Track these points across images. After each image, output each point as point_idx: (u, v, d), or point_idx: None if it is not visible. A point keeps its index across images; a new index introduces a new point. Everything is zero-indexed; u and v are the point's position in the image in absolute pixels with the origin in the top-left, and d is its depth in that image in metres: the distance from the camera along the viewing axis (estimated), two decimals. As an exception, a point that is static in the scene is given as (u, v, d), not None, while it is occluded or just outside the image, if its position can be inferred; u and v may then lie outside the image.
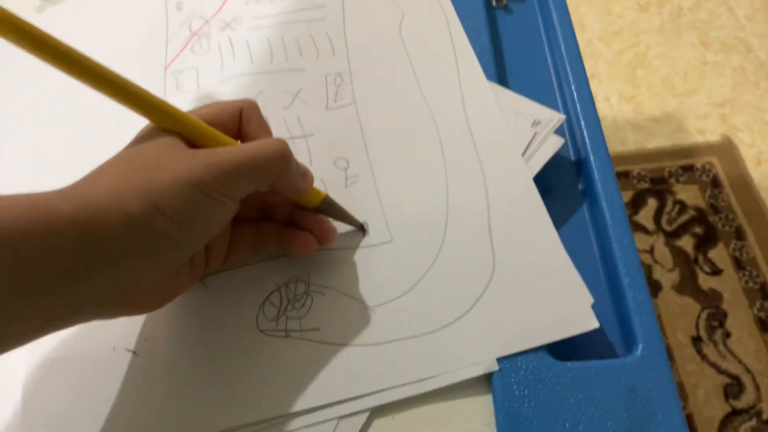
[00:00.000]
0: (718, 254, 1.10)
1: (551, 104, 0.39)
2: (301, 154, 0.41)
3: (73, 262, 0.24)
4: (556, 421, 0.29)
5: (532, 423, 0.29)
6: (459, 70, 0.43)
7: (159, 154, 0.27)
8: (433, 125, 0.41)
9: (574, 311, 0.32)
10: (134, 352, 0.34)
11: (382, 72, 0.44)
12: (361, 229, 0.37)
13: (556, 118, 0.37)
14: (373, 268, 0.36)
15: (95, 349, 0.35)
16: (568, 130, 0.40)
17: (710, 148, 1.22)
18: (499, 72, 0.43)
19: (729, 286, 1.06)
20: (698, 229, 1.13)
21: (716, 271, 1.08)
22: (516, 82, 0.43)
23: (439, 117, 0.41)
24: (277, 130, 0.42)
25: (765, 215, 1.13)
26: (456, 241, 0.36)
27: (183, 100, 0.45)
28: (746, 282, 1.07)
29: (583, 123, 0.38)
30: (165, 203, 0.25)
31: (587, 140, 0.37)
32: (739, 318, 1.03)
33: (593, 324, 0.31)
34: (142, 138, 0.29)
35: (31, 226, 0.23)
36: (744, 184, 1.16)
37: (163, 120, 0.29)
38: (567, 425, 0.29)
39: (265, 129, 0.33)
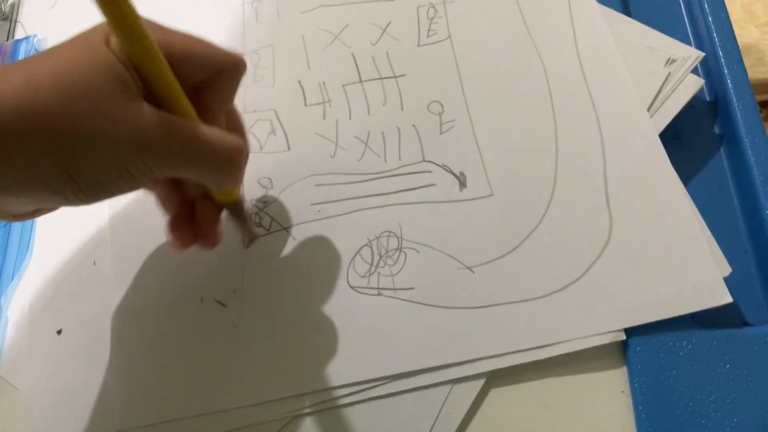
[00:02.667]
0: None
1: (680, 36, 0.34)
2: (391, 96, 0.37)
3: None
4: (700, 392, 0.27)
5: (672, 393, 0.27)
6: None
7: (102, 105, 0.22)
8: (540, 65, 0.37)
9: (705, 283, 0.29)
10: (222, 303, 0.33)
11: (481, 2, 0.40)
12: (251, 241, 0.34)
13: (695, 55, 0.32)
14: (472, 224, 0.33)
15: (182, 300, 0.33)
16: (701, 65, 0.35)
17: (794, 83, 1.12)
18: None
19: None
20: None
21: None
22: (639, 11, 0.37)
23: (547, 55, 0.37)
24: (365, 69, 0.38)
25: None
26: (566, 198, 0.32)
27: (260, 33, 0.41)
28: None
29: (722, 57, 0.33)
30: (80, 175, 0.23)
31: (728, 77, 0.32)
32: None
33: (725, 299, 0.28)
34: (93, 58, 0.23)
35: None
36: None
37: (135, 48, 0.23)
38: (713, 397, 0.26)
39: (232, 110, 0.29)
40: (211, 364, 0.31)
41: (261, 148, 0.37)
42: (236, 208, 0.32)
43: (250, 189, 0.35)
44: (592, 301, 0.30)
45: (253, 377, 0.31)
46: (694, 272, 0.29)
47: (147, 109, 0.23)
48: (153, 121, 0.23)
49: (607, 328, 0.29)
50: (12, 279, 0.37)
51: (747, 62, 1.09)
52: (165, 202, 0.31)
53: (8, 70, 0.22)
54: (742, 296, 0.28)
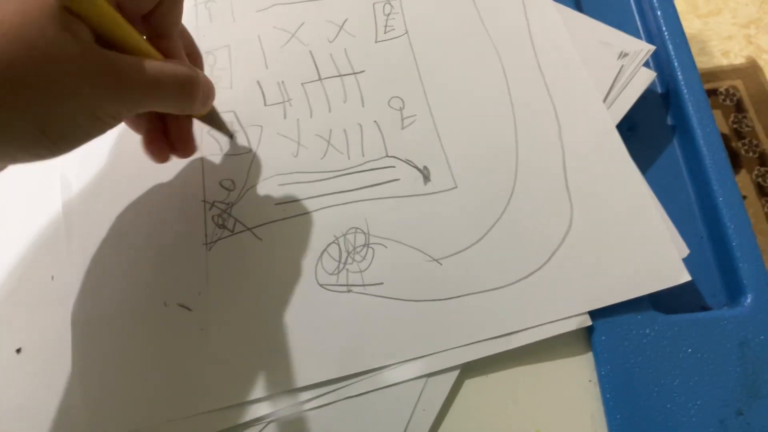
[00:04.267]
0: (742, 180, 1.08)
1: (631, 31, 0.35)
2: (351, 93, 0.37)
3: None
4: (664, 377, 0.28)
5: (638, 379, 0.28)
6: (523, -6, 0.39)
7: (62, 55, 0.22)
8: (497, 58, 0.37)
9: (664, 263, 0.30)
10: (187, 307, 0.32)
11: (436, -3, 0.40)
12: (231, 137, 0.36)
13: (646, 48, 0.33)
14: (438, 217, 0.33)
15: (145, 306, 0.33)
16: (653, 58, 0.36)
17: (734, 72, 1.17)
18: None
19: (752, 212, 1.05)
20: (721, 156, 1.10)
21: (739, 199, 1.06)
22: (590, 7, 0.38)
23: (503, 49, 0.37)
24: (324, 67, 0.38)
25: (790, 140, 1.10)
26: (527, 187, 0.33)
27: (215, 34, 0.40)
28: (770, 209, 1.05)
29: (672, 50, 0.34)
30: (53, 130, 0.23)
31: (678, 70, 0.33)
32: (762, 244, 1.02)
33: (684, 277, 0.29)
34: (40, 9, 0.22)
35: None
36: (769, 108, 1.13)
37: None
38: (677, 381, 0.27)
39: (184, 31, 0.30)
40: (179, 370, 0.31)
41: (222, 150, 0.36)
42: (208, 118, 0.33)
43: (213, 191, 0.35)
44: (558, 286, 0.30)
45: (223, 381, 0.30)
46: (653, 253, 0.30)
47: (105, 54, 0.24)
48: (114, 65, 0.24)
49: (573, 312, 0.30)
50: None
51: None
52: (135, 126, 0.31)
53: None
54: (700, 281, 0.30)
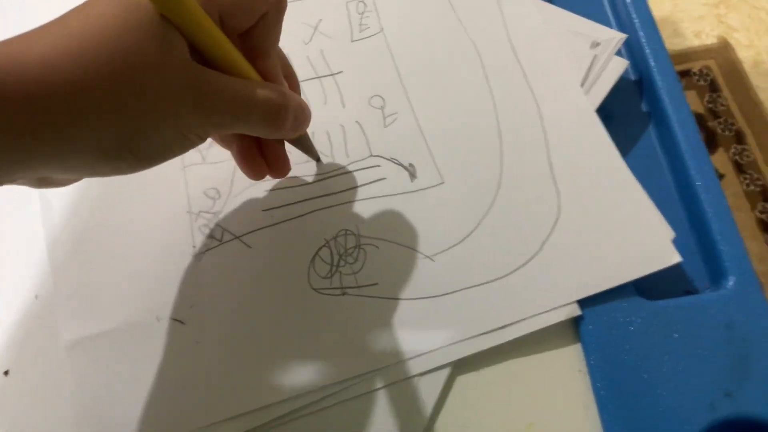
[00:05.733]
0: (719, 159, 1.09)
1: (602, 20, 0.36)
2: (331, 94, 0.37)
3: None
4: (653, 363, 0.28)
5: (627, 367, 0.28)
6: (495, -14, 0.39)
7: (154, 69, 0.21)
8: (474, 51, 0.37)
9: (653, 246, 0.31)
10: (181, 321, 0.32)
11: (409, -8, 0.40)
12: (317, 160, 0.35)
13: (617, 37, 0.34)
14: (427, 213, 0.33)
15: (136, 322, 0.32)
16: (625, 47, 0.37)
17: (707, 52, 1.18)
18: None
19: (731, 191, 1.06)
20: (698, 136, 1.11)
21: (718, 177, 1.08)
22: (560, -2, 0.39)
23: (480, 42, 0.38)
24: (301, 70, 0.38)
25: (764, 117, 1.12)
26: (514, 178, 0.34)
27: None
28: (747, 185, 1.07)
29: (643, 38, 0.34)
30: (138, 147, 0.22)
31: (650, 57, 0.34)
32: (742, 221, 1.04)
33: (675, 258, 0.30)
34: (135, 18, 0.21)
35: None
36: (742, 87, 1.15)
37: (174, 8, 0.22)
38: (665, 368, 0.28)
39: (275, 42, 0.28)
40: (176, 385, 0.31)
41: (204, 159, 0.36)
42: (297, 141, 0.32)
43: (198, 201, 0.35)
44: (551, 275, 0.31)
45: (223, 392, 0.30)
46: (642, 236, 0.31)
47: (201, 71, 0.23)
48: (209, 85, 0.23)
49: (568, 299, 0.30)
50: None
51: (662, 35, 1.14)
52: (225, 144, 0.31)
53: (45, 33, 0.20)
54: (683, 264, 0.30)
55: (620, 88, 0.35)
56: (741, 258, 0.29)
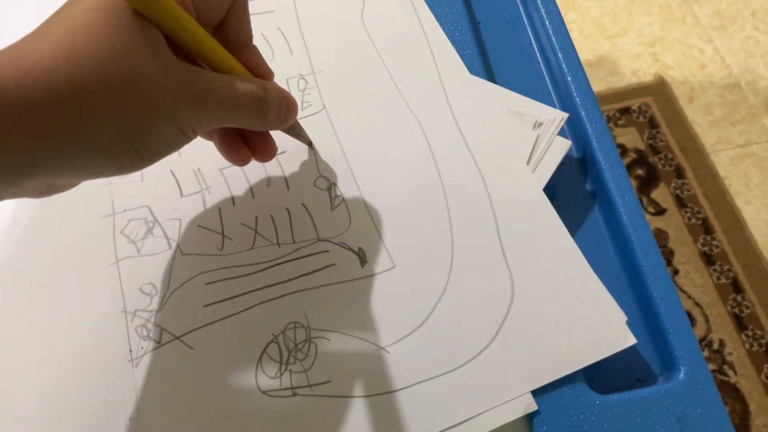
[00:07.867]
0: (661, 194, 1.13)
1: (544, 98, 0.36)
2: (274, 176, 0.36)
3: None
4: (608, 459, 0.28)
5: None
6: (437, 64, 0.39)
7: (148, 66, 0.22)
8: (419, 129, 0.37)
9: (607, 329, 0.30)
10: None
11: (351, 70, 0.40)
12: (309, 145, 0.36)
13: (559, 116, 0.34)
14: (379, 301, 0.32)
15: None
16: (567, 125, 0.37)
17: (645, 89, 1.23)
18: (485, 64, 0.39)
19: (673, 224, 1.10)
20: (640, 171, 1.15)
21: (660, 211, 1.11)
22: (502, 77, 0.39)
23: (424, 119, 0.37)
24: (243, 149, 0.37)
25: (701, 151, 1.16)
26: (466, 261, 0.33)
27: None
28: (689, 219, 1.11)
29: (585, 117, 0.35)
30: (142, 143, 0.23)
31: (592, 136, 0.34)
32: (685, 254, 1.07)
33: (630, 340, 0.30)
34: (120, 20, 0.22)
35: None
36: (679, 122, 1.19)
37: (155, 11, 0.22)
38: (620, 464, 0.27)
39: (250, 32, 0.29)
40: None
41: (138, 252, 0.34)
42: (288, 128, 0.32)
43: (132, 298, 0.33)
44: (506, 364, 0.30)
45: None
46: (596, 319, 0.31)
47: (187, 66, 0.24)
48: (198, 78, 0.24)
49: (526, 388, 0.29)
50: None
51: (601, 73, 1.18)
52: (205, 135, 0.31)
53: (40, 36, 0.21)
54: (634, 351, 0.30)
55: (564, 165, 0.35)
56: (690, 348, 0.29)
